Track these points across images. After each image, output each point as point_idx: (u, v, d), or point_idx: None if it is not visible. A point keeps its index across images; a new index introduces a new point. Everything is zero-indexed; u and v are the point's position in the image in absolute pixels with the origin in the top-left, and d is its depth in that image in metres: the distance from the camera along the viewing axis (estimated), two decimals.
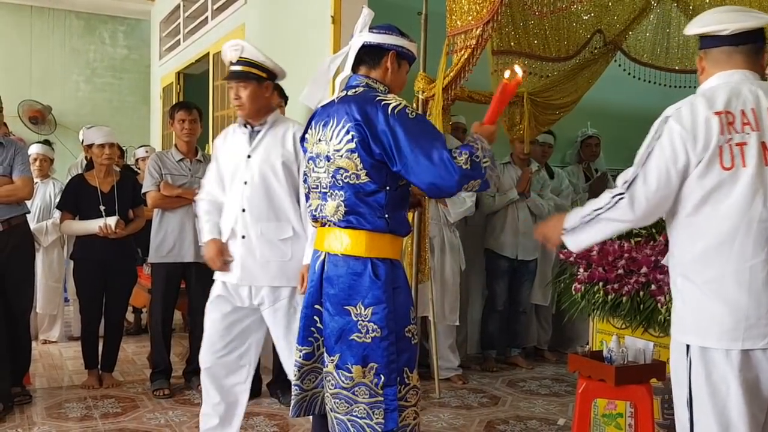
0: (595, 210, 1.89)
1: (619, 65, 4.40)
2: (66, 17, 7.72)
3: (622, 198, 1.82)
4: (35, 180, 4.82)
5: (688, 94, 4.41)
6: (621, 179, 1.86)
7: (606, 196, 1.87)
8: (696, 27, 1.88)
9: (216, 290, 2.76)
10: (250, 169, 2.70)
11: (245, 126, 2.77)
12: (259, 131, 2.75)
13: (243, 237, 2.69)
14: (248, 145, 2.74)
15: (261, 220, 2.68)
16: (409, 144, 1.93)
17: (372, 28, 2.13)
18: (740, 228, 1.72)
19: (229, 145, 2.81)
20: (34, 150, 4.96)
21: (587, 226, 1.92)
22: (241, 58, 2.66)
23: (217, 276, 2.77)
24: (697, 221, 1.77)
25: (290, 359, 2.54)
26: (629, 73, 4.37)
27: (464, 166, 1.93)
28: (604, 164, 5.27)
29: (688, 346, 1.82)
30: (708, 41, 1.86)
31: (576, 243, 1.98)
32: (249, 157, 2.71)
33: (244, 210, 2.68)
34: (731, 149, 1.73)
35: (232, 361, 2.75)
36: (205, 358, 2.75)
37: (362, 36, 2.12)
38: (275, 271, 2.69)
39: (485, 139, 2.05)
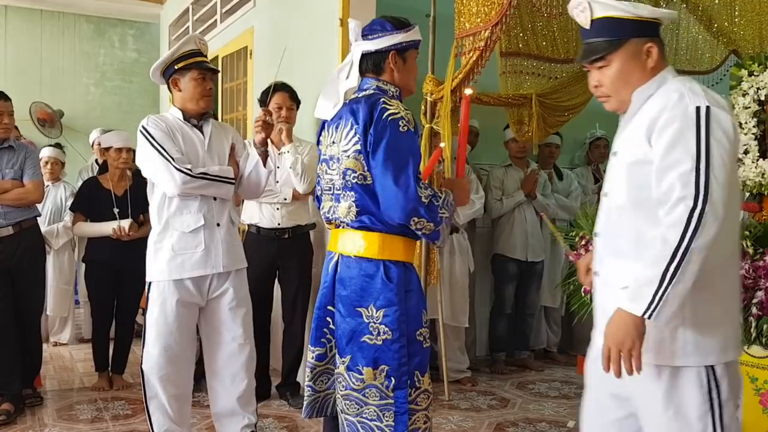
0: (671, 261, 1.40)
1: None
2: (76, 21, 7.77)
3: (702, 211, 1.40)
4: (46, 183, 4.86)
5: None
6: (670, 194, 1.43)
7: (671, 233, 1.41)
8: (643, 11, 1.62)
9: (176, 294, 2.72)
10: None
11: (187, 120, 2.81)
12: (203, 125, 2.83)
13: (218, 225, 2.75)
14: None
15: (229, 208, 2.82)
16: (385, 153, 1.93)
17: (365, 35, 2.11)
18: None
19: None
20: (45, 153, 5.00)
21: (674, 288, 1.41)
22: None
23: (182, 274, 2.72)
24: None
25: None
26: None
27: (422, 200, 1.94)
28: None
29: (711, 368, 1.50)
30: (654, 27, 1.64)
31: (667, 315, 1.45)
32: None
33: (215, 198, 2.75)
34: None
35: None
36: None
37: (359, 45, 2.11)
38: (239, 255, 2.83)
39: (452, 194, 2.05)
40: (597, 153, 5.10)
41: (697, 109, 1.48)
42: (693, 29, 4.47)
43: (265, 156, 2.81)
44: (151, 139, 2.67)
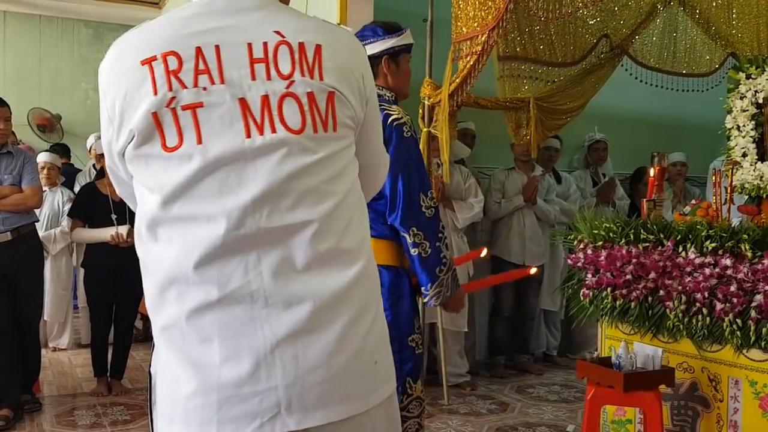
0: None
1: (626, 69, 4.39)
2: (74, 26, 7.77)
3: None
4: (44, 188, 4.86)
5: (694, 98, 4.39)
6: None
7: None
8: None
9: None
10: None
11: None
12: None
13: None
14: None
15: None
16: (393, 157, 1.94)
17: None
18: None
19: None
20: (42, 158, 4.99)
21: None
22: None
23: None
24: None
25: None
26: (636, 78, 4.36)
27: (424, 209, 1.95)
28: (612, 169, 5.25)
29: None
30: None
31: None
32: None
33: None
34: None
35: None
36: None
37: None
38: None
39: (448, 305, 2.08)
40: (595, 156, 5.09)
41: None
42: (691, 32, 4.48)
43: None
44: None
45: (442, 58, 3.56)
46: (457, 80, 3.22)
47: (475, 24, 3.11)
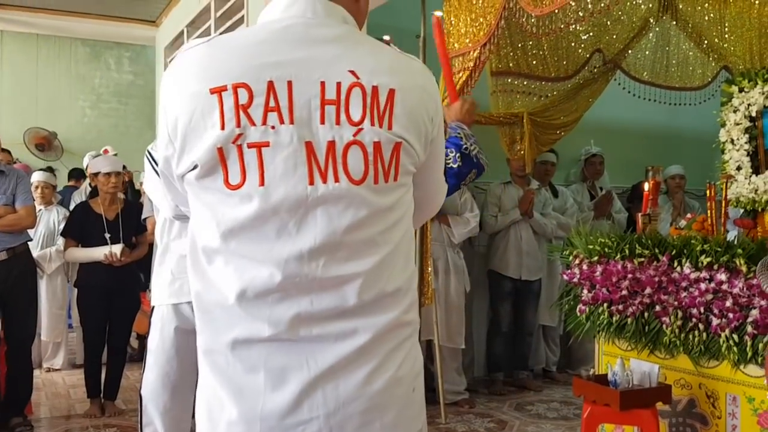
0: None
1: (619, 84, 4.39)
2: (72, 44, 7.81)
3: None
4: (39, 207, 4.85)
5: (690, 111, 4.36)
6: None
7: None
8: None
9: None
10: None
11: None
12: None
13: None
14: None
15: None
16: None
17: None
18: None
19: None
20: (35, 178, 4.99)
21: None
22: None
23: (180, 299, 2.61)
24: None
25: None
26: (629, 92, 4.36)
27: (453, 165, 1.87)
28: (609, 182, 5.24)
29: None
30: None
31: None
32: None
33: None
34: None
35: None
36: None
37: None
38: None
39: (463, 124, 1.93)
40: (592, 169, 5.08)
41: None
42: (684, 45, 4.48)
43: None
44: (153, 163, 2.68)
45: (436, 74, 3.55)
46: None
47: (467, 40, 3.11)
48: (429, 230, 3.66)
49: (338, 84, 0.98)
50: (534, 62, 3.97)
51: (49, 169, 5.43)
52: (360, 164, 0.98)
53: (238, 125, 0.95)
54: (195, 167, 0.98)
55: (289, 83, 0.97)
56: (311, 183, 0.96)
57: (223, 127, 0.95)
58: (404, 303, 1.04)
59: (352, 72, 0.99)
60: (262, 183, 0.96)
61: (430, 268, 3.73)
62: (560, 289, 4.47)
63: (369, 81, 0.99)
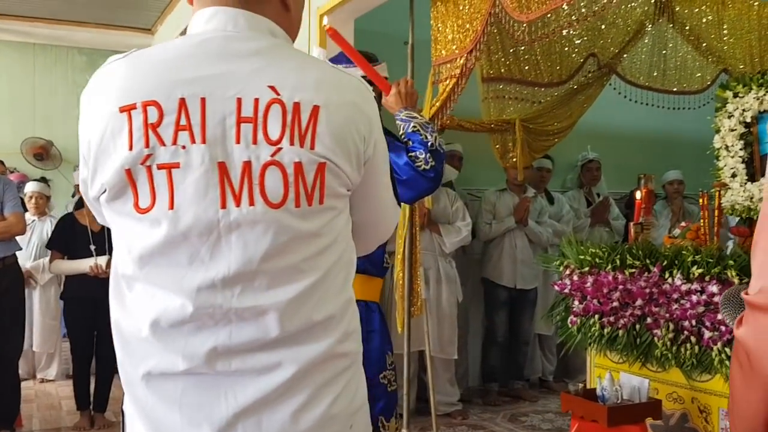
0: None
1: (614, 88, 4.31)
2: (68, 53, 7.80)
3: None
4: (32, 218, 4.82)
5: (688, 115, 4.27)
6: None
7: None
8: None
9: None
10: None
11: None
12: None
13: None
14: None
15: None
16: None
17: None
18: None
19: None
20: (29, 188, 4.97)
21: None
22: None
23: None
24: None
25: None
26: (625, 96, 4.29)
27: (427, 167, 1.79)
28: (606, 188, 5.16)
29: None
30: None
31: None
32: None
33: None
34: None
35: None
36: None
37: None
38: None
39: (409, 107, 1.88)
40: (589, 176, 5.01)
41: None
42: (681, 49, 4.40)
43: None
44: None
45: (424, 81, 3.50)
46: (437, 104, 3.16)
47: (454, 47, 3.05)
48: (418, 239, 3.60)
49: (256, 100, 0.91)
50: (526, 67, 3.91)
51: (43, 180, 5.40)
52: (279, 186, 0.91)
53: (147, 145, 0.90)
54: (104, 191, 0.93)
55: (203, 100, 0.90)
56: (223, 206, 0.90)
57: (131, 148, 0.90)
58: (338, 332, 0.97)
59: (272, 87, 0.92)
60: (171, 206, 0.90)
61: (420, 279, 3.66)
62: (557, 298, 4.41)
63: (290, 97, 0.92)
